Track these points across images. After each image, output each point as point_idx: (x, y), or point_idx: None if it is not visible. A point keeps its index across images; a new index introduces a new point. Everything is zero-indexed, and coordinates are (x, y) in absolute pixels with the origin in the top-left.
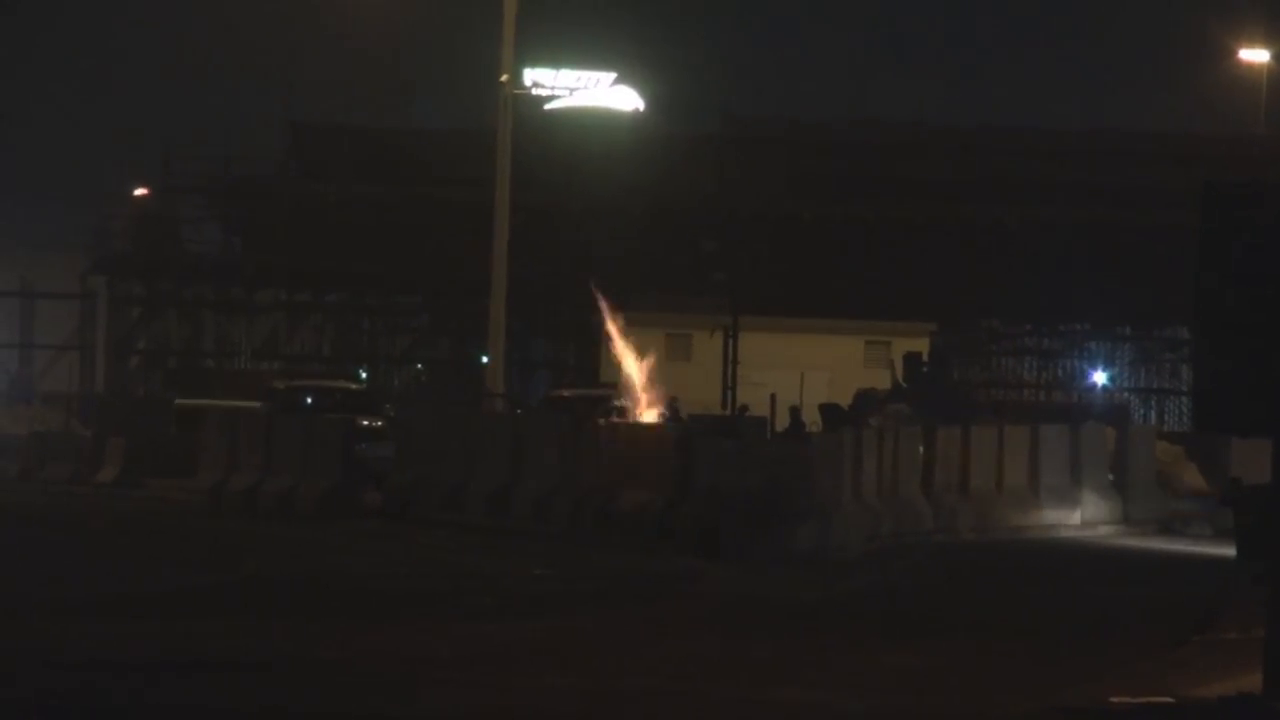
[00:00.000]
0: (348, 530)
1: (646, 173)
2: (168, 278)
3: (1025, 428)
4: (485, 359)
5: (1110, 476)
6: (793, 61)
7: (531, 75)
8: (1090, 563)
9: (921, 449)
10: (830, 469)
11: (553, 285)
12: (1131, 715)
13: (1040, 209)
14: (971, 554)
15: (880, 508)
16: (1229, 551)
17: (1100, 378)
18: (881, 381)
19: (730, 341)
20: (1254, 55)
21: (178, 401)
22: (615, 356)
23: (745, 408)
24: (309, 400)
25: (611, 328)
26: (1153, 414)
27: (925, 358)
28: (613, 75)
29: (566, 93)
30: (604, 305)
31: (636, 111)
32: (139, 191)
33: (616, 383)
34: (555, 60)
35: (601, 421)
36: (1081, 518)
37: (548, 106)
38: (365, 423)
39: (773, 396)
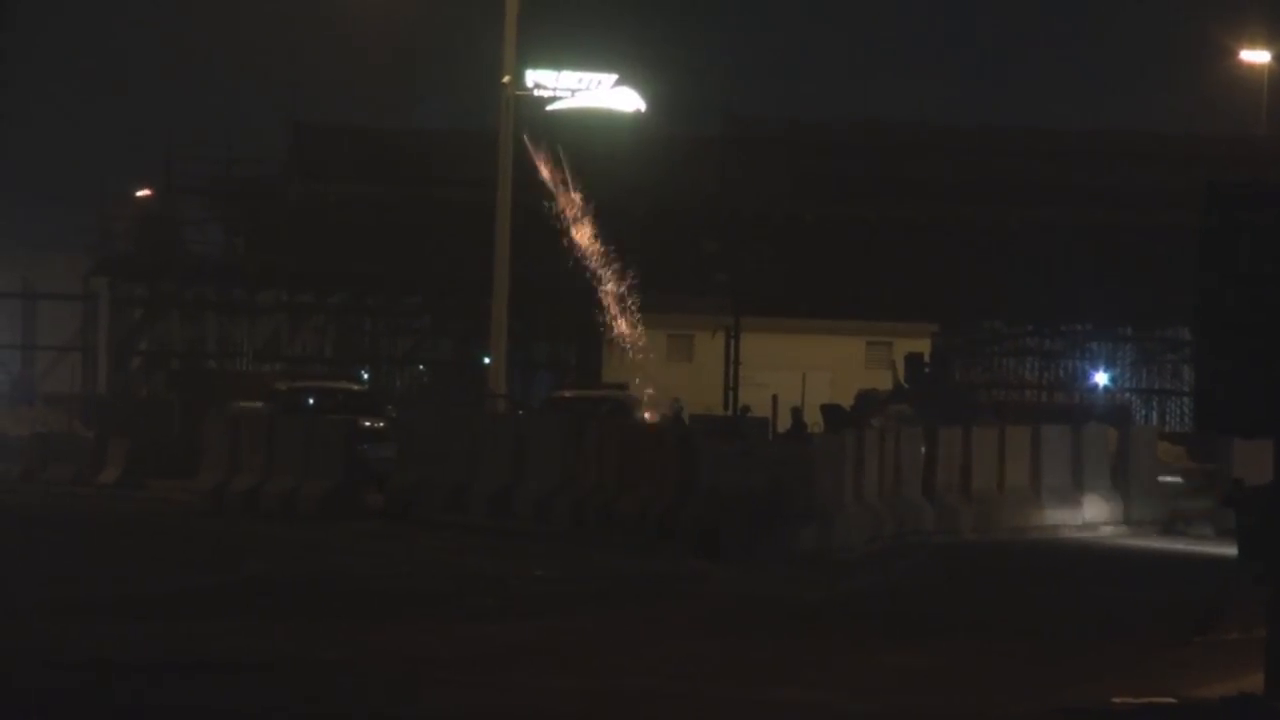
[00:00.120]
0: (350, 531)
1: (648, 174)
2: (170, 279)
3: (1027, 428)
4: (487, 360)
5: (1111, 477)
6: (794, 62)
7: (533, 76)
8: (1092, 563)
9: (923, 450)
10: (832, 470)
11: (554, 286)
12: (1133, 716)
13: (1042, 209)
14: (973, 554)
15: (882, 508)
16: (1230, 552)
17: (1102, 378)
18: (883, 382)
19: (732, 342)
20: (1255, 56)
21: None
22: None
23: (747, 408)
24: (311, 401)
25: None
26: (1154, 415)
27: (927, 358)
28: (614, 76)
29: (568, 94)
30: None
31: (638, 112)
32: (141, 192)
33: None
34: (557, 61)
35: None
36: (1083, 518)
37: (549, 108)
38: (367, 424)
39: (774, 397)
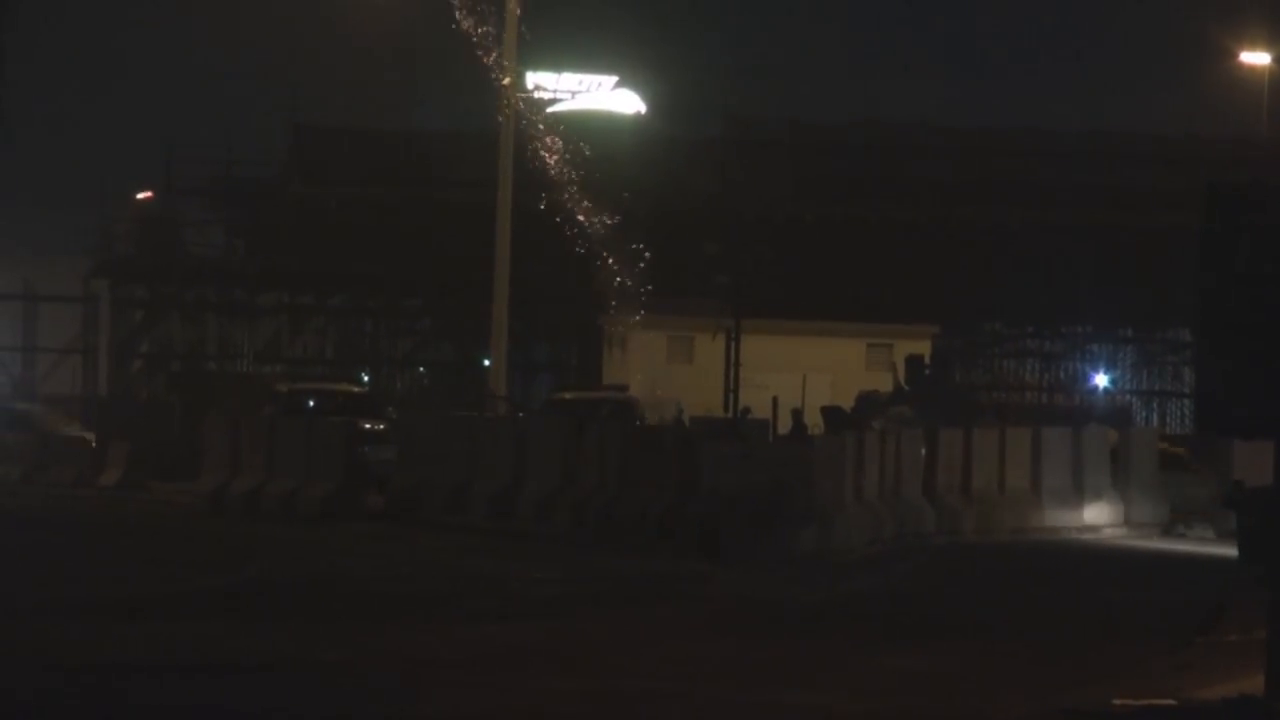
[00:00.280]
0: (350, 532)
1: (648, 175)
2: (170, 281)
3: (1027, 430)
4: (487, 361)
5: (1112, 479)
6: (794, 63)
7: (534, 78)
8: (1092, 565)
9: (923, 451)
10: (832, 471)
11: (555, 287)
12: (1134, 717)
13: (1042, 211)
14: (974, 556)
15: (882, 509)
16: (1231, 553)
17: (1102, 380)
18: (884, 384)
19: (732, 344)
20: (1255, 58)
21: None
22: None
23: (747, 410)
24: (311, 403)
25: None
26: (1154, 416)
27: (927, 360)
28: (614, 78)
29: (569, 96)
30: None
31: (638, 114)
32: (141, 194)
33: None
34: (557, 63)
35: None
36: (1083, 520)
37: (550, 109)
38: (368, 425)
39: (775, 399)
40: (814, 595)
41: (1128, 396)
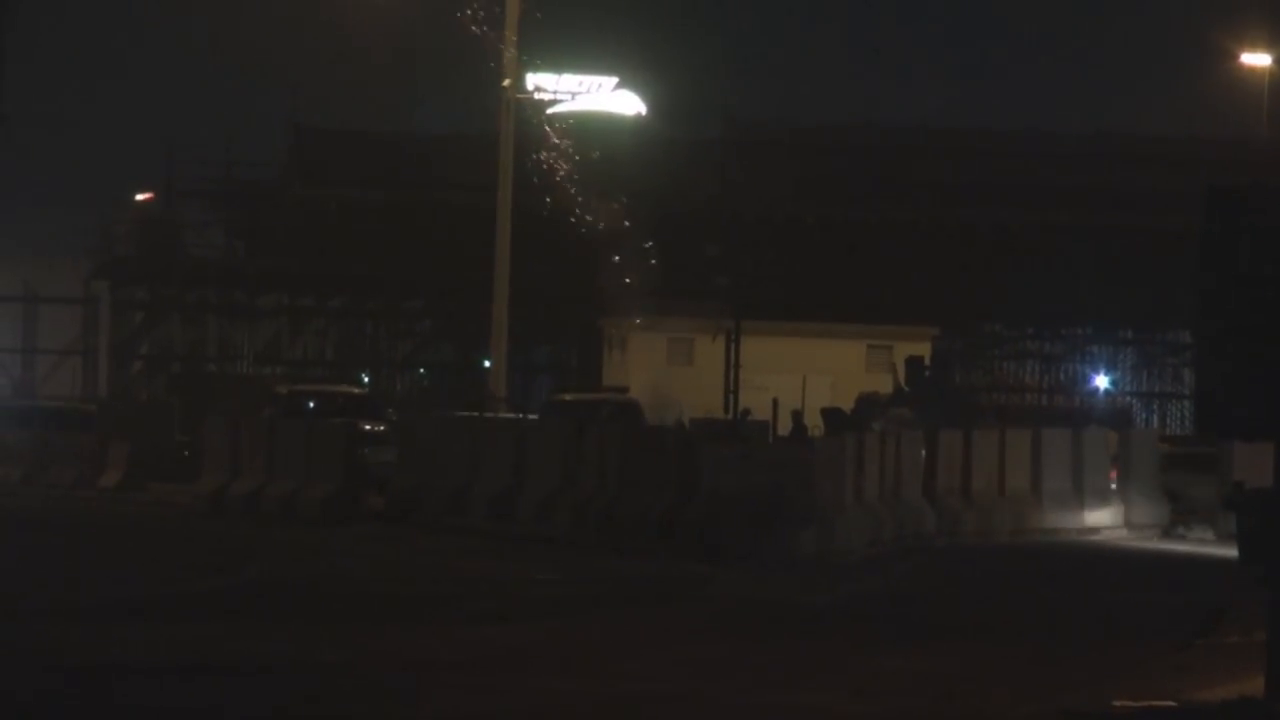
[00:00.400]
0: (350, 534)
1: (649, 177)
2: (171, 282)
3: (1027, 431)
4: (487, 363)
5: (1112, 480)
6: (795, 65)
7: (533, 80)
8: (1092, 566)
9: (923, 453)
10: (832, 473)
11: (555, 289)
12: (1134, 718)
13: (1042, 212)
14: (974, 557)
15: (882, 511)
16: (1231, 555)
17: (1102, 382)
18: (884, 385)
19: (732, 345)
20: (1255, 59)
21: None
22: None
23: (747, 412)
24: (311, 405)
25: None
26: (1155, 418)
27: (927, 362)
28: (614, 80)
29: (568, 97)
30: None
31: (638, 115)
32: (142, 196)
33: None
34: (557, 65)
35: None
36: (1083, 521)
37: (550, 111)
38: (368, 427)
39: (775, 400)
40: (814, 596)
41: (1128, 398)
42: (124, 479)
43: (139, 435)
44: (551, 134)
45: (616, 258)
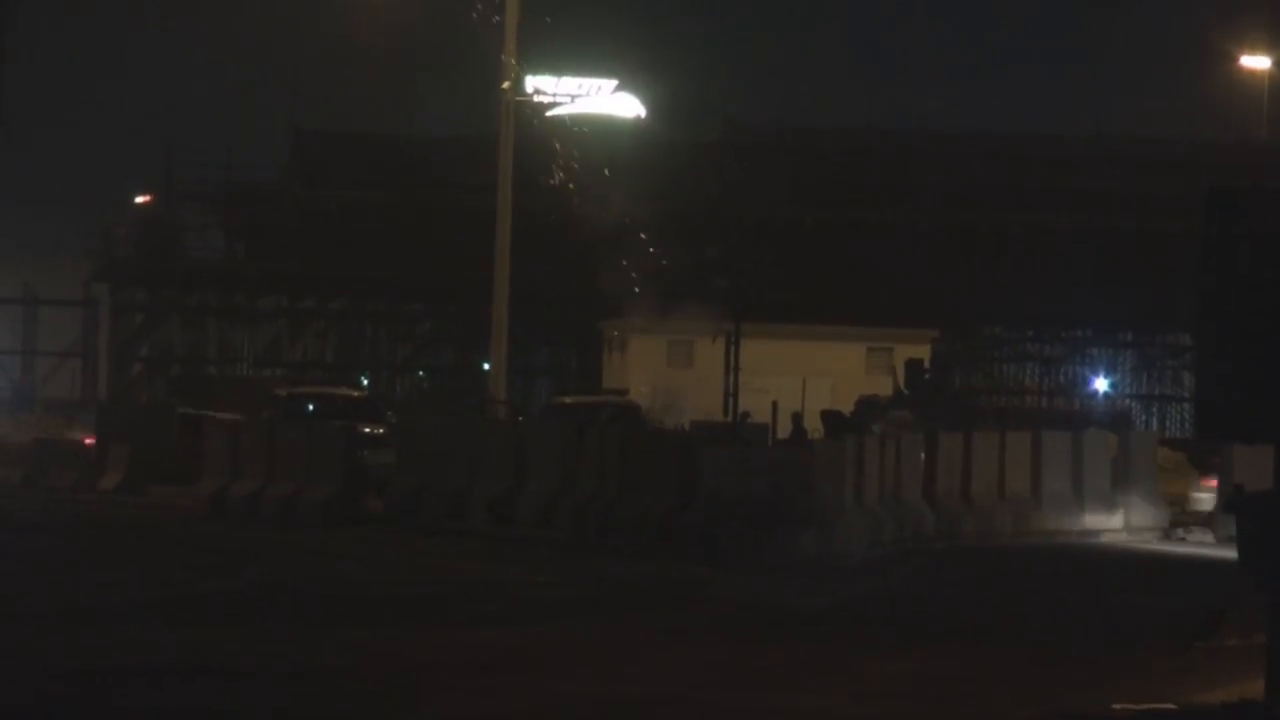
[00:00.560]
0: (350, 537)
1: (648, 179)
2: (171, 284)
3: (1027, 434)
4: (487, 365)
5: (1112, 483)
6: (795, 67)
7: (533, 82)
8: (1092, 569)
9: (923, 455)
10: (832, 475)
11: (555, 292)
12: None
13: (1042, 215)
14: (974, 560)
15: (882, 514)
16: (1230, 558)
17: (1102, 384)
18: (884, 388)
19: (732, 348)
20: (1255, 62)
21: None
22: None
23: (747, 414)
24: (311, 407)
25: None
26: (1154, 420)
27: (927, 364)
28: (614, 82)
29: (568, 99)
30: None
31: (638, 118)
32: (142, 198)
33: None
34: (557, 67)
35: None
36: (1083, 524)
37: (549, 113)
38: (367, 429)
39: (774, 403)
40: (814, 599)
41: (1128, 401)
42: (124, 481)
43: (139, 437)
44: (551, 137)
45: (616, 260)
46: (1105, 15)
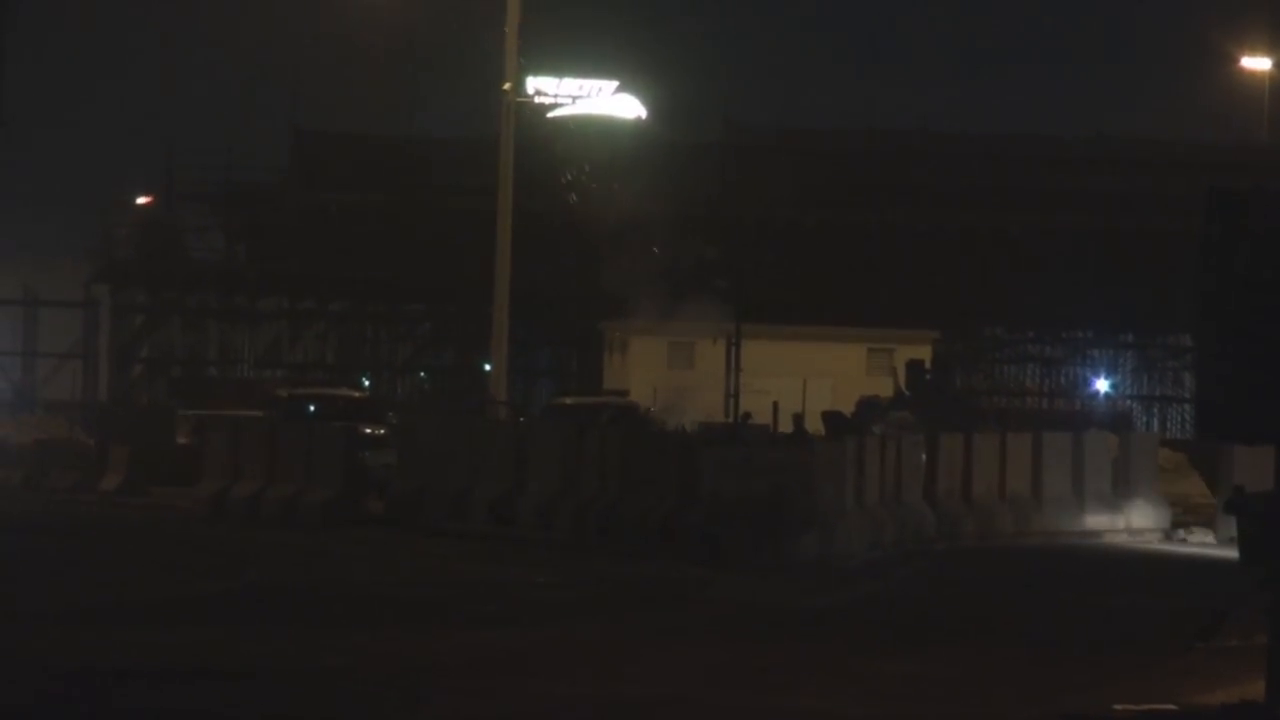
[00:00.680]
0: (350, 538)
1: (649, 180)
2: (171, 285)
3: (1028, 435)
4: (488, 366)
5: (1112, 484)
6: (795, 69)
7: (534, 83)
8: (1093, 570)
9: (924, 456)
10: (833, 476)
11: (556, 293)
12: None
13: (1043, 216)
14: (974, 561)
15: (883, 515)
16: (1231, 559)
17: (1103, 385)
18: (884, 389)
19: (733, 349)
20: (1256, 63)
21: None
22: None
23: (748, 415)
24: (312, 408)
25: None
26: (1155, 422)
27: (928, 365)
28: (615, 83)
29: (569, 101)
30: None
31: (639, 119)
32: (142, 199)
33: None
34: (558, 68)
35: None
36: (1084, 525)
37: (550, 114)
38: (368, 430)
39: (775, 404)
40: (815, 600)
41: (1128, 402)
42: (124, 483)
43: (139, 439)
44: (552, 138)
45: (617, 261)
46: (1105, 16)
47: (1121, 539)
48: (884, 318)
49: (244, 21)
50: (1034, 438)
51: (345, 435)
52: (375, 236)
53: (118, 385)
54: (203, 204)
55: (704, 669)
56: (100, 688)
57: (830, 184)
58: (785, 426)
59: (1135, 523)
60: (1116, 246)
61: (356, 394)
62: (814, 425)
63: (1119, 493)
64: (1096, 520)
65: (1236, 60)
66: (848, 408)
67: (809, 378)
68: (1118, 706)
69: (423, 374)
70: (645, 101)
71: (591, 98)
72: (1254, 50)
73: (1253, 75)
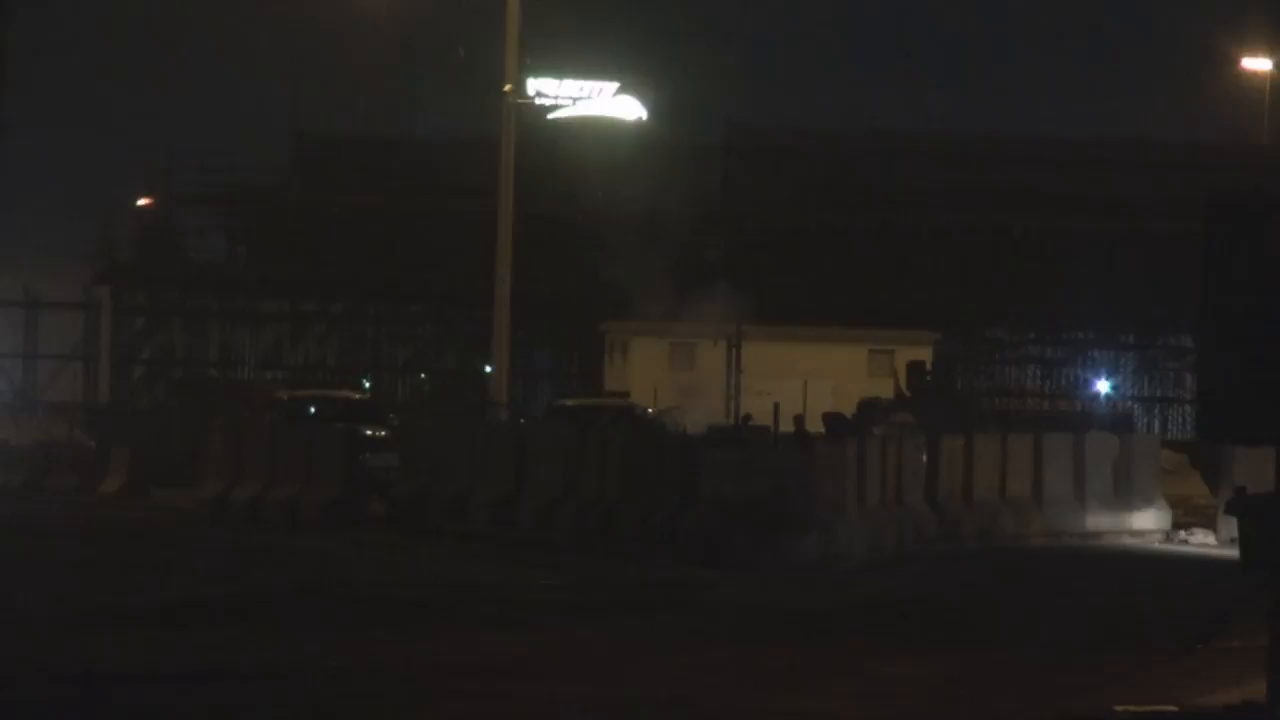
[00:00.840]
0: (352, 540)
1: (650, 182)
2: (172, 287)
3: (1028, 436)
4: (489, 368)
5: (1114, 485)
6: (796, 70)
7: (535, 85)
8: (1094, 571)
9: (925, 457)
10: (834, 478)
11: (556, 295)
12: None
13: (1044, 217)
14: (975, 562)
15: (884, 516)
16: (1233, 560)
17: (1104, 386)
18: (885, 390)
19: (734, 350)
20: (1256, 64)
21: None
22: None
23: (749, 416)
24: (313, 410)
25: None
26: (1156, 423)
27: (929, 366)
28: (616, 85)
29: (570, 102)
30: None
31: (640, 121)
32: (143, 201)
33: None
34: (559, 70)
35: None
36: (1085, 526)
37: (551, 116)
38: (369, 432)
39: (776, 405)
40: (816, 602)
41: (1129, 403)
42: (125, 485)
43: (140, 441)
44: (553, 139)
45: (618, 263)
46: (1106, 17)
47: (1123, 540)
48: (885, 319)
49: (245, 23)
50: (1035, 439)
51: (346, 437)
52: (376, 238)
53: (118, 387)
54: (204, 206)
55: (705, 671)
56: (101, 689)
57: (831, 185)
58: (786, 428)
59: (1136, 524)
60: (1118, 247)
61: (357, 396)
62: (815, 426)
63: (1120, 494)
64: (1097, 521)
65: (1237, 61)
66: (848, 409)
67: (810, 379)
68: (1119, 707)
69: (423, 376)
70: (646, 103)
71: (592, 99)
72: (1254, 51)
73: (1254, 76)
